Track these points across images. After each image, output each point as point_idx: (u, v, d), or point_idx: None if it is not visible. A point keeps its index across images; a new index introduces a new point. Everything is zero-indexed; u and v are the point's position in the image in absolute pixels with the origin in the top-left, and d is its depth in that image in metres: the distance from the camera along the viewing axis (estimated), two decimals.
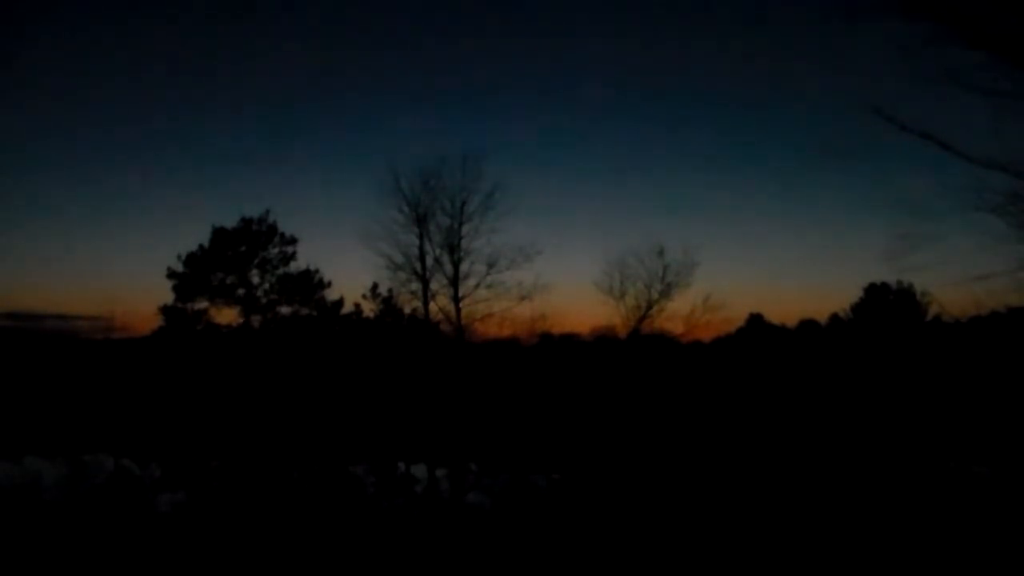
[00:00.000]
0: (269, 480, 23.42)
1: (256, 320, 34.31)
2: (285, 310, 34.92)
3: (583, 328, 51.29)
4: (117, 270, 69.60)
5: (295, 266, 35.12)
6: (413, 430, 27.58)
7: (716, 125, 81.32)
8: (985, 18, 8.60)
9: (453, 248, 31.60)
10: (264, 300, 34.55)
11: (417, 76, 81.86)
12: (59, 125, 79.97)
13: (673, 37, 79.49)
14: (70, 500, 19.43)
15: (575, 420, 29.32)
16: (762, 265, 71.32)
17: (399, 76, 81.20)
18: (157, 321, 34.59)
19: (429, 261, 31.75)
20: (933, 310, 43.77)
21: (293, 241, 35.21)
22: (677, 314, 33.94)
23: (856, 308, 48.57)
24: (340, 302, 35.79)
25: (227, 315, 34.58)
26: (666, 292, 33.29)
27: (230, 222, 34.76)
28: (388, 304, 35.60)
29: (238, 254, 34.37)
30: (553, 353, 40.10)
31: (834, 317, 50.73)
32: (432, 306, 32.21)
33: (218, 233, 34.45)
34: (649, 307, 33.32)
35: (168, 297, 34.07)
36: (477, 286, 31.73)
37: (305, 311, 35.11)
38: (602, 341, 38.74)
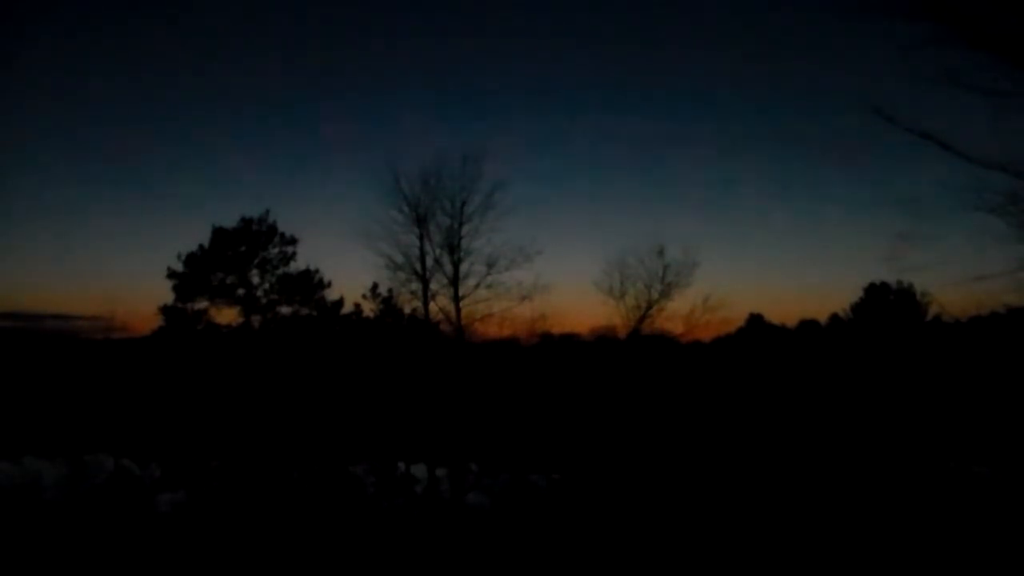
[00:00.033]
0: (269, 480, 23.43)
1: (256, 320, 34.28)
2: (285, 310, 34.88)
3: (583, 328, 51.11)
4: (117, 270, 69.47)
5: (295, 266, 35.03)
6: (413, 430, 27.59)
7: (716, 125, 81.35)
8: (985, 18, 8.60)
9: (453, 248, 31.55)
10: (264, 300, 34.53)
11: (417, 76, 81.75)
12: (59, 125, 79.89)
13: (673, 37, 79.57)
14: (70, 500, 19.44)
15: (575, 420, 29.33)
16: (762, 265, 71.40)
17: (399, 76, 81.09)
18: (157, 321, 34.51)
19: (429, 261, 31.68)
20: (933, 310, 43.83)
21: (293, 241, 35.17)
22: (677, 314, 33.81)
23: (856, 308, 48.55)
24: (340, 302, 35.77)
25: (227, 315, 34.55)
26: (666, 292, 33.18)
27: (230, 222, 34.68)
28: (388, 304, 35.57)
29: (238, 254, 34.35)
30: (553, 353, 40.07)
31: (834, 317, 50.77)
32: (432, 306, 32.16)
33: (218, 233, 34.42)
34: (649, 307, 33.27)
35: (168, 297, 34.01)
36: (477, 286, 31.64)
37: (305, 311, 35.08)
38: (602, 341, 38.71)
